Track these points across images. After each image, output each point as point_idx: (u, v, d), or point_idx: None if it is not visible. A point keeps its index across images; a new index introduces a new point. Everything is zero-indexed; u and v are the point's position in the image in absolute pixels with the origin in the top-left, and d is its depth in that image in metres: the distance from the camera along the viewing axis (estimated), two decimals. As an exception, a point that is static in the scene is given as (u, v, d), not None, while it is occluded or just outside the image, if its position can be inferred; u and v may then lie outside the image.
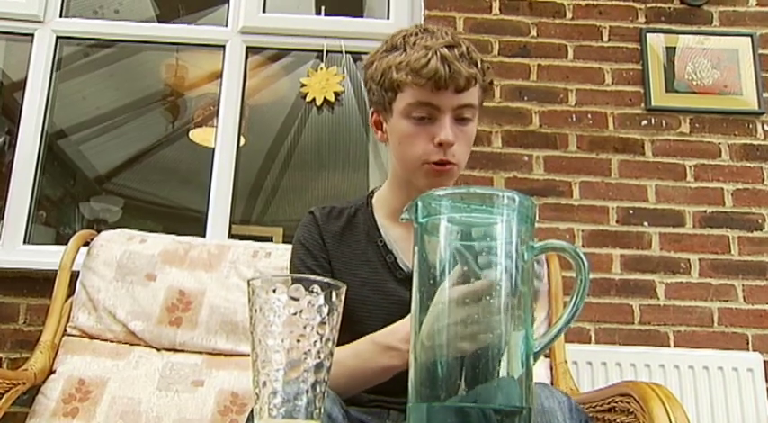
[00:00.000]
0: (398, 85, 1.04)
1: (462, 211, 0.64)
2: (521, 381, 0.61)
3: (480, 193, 0.64)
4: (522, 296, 0.62)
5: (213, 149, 2.32)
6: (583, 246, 2.14)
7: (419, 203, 0.65)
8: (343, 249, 1.15)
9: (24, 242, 2.18)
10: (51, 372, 1.56)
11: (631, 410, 1.06)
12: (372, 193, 1.23)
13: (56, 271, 1.68)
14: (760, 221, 2.18)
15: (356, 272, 1.12)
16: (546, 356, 1.67)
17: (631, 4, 2.37)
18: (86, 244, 1.75)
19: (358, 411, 1.05)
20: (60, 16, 2.41)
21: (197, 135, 3.05)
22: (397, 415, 1.07)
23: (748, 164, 2.24)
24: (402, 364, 0.93)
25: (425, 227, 0.65)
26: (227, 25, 2.44)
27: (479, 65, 1.05)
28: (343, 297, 0.59)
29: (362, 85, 1.20)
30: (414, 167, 1.07)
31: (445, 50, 1.01)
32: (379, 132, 1.15)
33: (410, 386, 0.64)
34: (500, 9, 2.36)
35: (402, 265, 1.13)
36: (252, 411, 0.88)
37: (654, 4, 2.38)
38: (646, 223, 2.18)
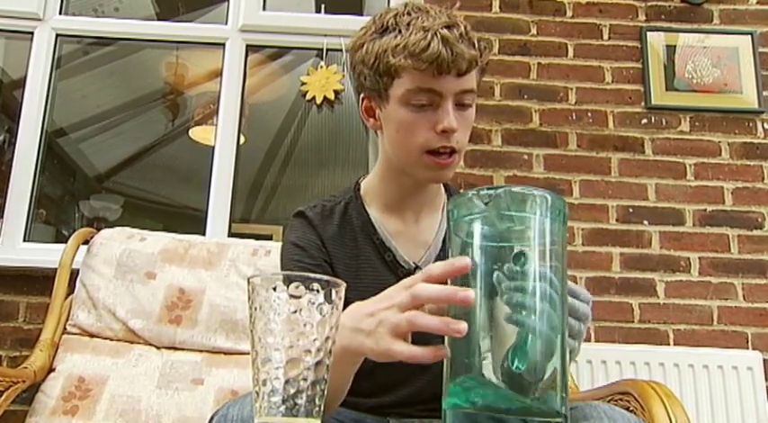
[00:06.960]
0: (396, 70, 0.96)
1: (495, 212, 0.62)
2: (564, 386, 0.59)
3: (515, 191, 0.62)
4: (554, 299, 0.61)
5: (213, 148, 2.32)
6: (583, 244, 2.15)
7: (452, 207, 0.64)
8: (343, 251, 1.07)
9: (24, 240, 2.18)
10: (51, 370, 1.56)
11: (631, 408, 1.06)
12: (358, 183, 1.15)
13: (55, 269, 1.68)
14: (760, 220, 2.18)
15: (356, 273, 1.05)
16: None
17: (631, 2, 2.37)
18: (86, 242, 1.75)
19: (357, 416, 1.03)
20: (60, 14, 2.40)
21: (197, 133, 3.04)
22: (396, 422, 1.05)
23: (748, 162, 2.23)
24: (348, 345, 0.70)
25: (456, 227, 0.64)
26: (226, 23, 2.44)
27: (478, 45, 0.98)
28: (343, 295, 0.59)
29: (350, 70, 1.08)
30: (414, 158, 1.00)
31: (445, 31, 0.93)
32: (371, 119, 1.06)
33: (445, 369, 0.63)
34: (500, 7, 2.36)
35: (402, 263, 1.06)
36: (216, 413, 0.84)
37: (654, 3, 2.38)
38: (646, 222, 2.18)
